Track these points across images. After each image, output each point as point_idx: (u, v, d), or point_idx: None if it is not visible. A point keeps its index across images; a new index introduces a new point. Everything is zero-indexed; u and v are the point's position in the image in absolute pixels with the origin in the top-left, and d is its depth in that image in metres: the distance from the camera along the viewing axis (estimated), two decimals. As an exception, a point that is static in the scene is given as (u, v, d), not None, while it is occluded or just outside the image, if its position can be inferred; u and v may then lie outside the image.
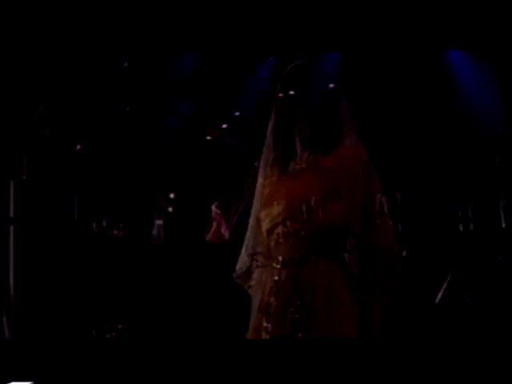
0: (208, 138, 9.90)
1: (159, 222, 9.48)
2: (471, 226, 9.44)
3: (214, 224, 9.29)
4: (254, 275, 3.04)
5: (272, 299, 2.79)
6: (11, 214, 6.97)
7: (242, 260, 3.15)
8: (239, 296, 7.44)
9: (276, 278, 2.76)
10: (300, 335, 2.69)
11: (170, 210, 9.63)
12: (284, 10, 8.91)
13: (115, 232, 9.00)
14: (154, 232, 9.43)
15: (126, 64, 7.46)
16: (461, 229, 9.38)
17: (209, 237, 9.39)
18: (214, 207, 9.65)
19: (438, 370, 2.53)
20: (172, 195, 9.73)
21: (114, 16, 8.72)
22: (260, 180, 3.45)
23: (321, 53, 9.39)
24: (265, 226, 2.87)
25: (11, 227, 6.95)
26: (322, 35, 9.20)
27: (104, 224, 8.89)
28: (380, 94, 9.66)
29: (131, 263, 8.77)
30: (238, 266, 3.45)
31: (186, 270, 8.69)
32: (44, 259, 8.04)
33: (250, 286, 3.31)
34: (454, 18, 8.91)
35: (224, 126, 9.71)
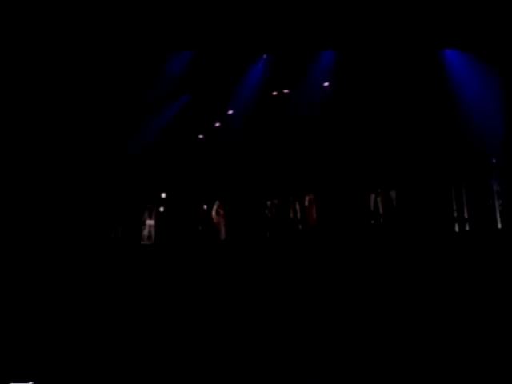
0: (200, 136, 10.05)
1: (150, 222, 9.44)
2: (467, 227, 9.32)
3: (220, 223, 9.20)
4: None
5: None
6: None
7: None
8: (231, 296, 7.66)
9: None
10: None
11: (162, 209, 9.65)
12: (279, 10, 8.88)
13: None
14: (145, 232, 9.40)
15: None
16: (457, 229, 9.28)
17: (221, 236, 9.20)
18: (216, 207, 9.65)
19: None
20: (164, 195, 9.76)
21: (105, 15, 8.71)
22: None
23: (316, 52, 9.65)
24: None
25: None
26: (317, 34, 9.15)
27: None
28: (377, 95, 9.61)
29: (122, 264, 8.56)
30: None
31: (179, 270, 8.46)
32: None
33: None
34: (451, 18, 8.88)
35: (217, 124, 9.95)
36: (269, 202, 9.60)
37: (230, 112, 9.95)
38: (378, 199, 9.34)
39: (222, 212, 9.60)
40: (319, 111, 9.59)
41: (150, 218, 9.58)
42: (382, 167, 9.48)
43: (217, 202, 9.64)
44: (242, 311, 7.51)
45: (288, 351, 6.63)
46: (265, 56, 9.87)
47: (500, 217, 9.09)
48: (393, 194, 9.28)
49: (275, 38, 9.24)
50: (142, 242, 9.46)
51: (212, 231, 9.69)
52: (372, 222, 9.32)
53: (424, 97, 9.57)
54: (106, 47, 8.90)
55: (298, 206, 9.50)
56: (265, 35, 9.20)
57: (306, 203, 9.48)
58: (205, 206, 9.82)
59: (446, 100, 9.64)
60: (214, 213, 9.61)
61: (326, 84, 9.72)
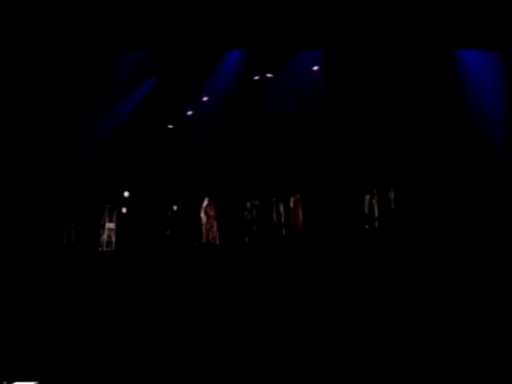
0: (170, 126, 9.47)
1: (110, 225, 8.97)
2: (466, 228, 8.83)
3: (213, 225, 8.85)
4: None
5: None
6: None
7: None
8: (199, 313, 6.90)
9: None
10: None
11: (124, 211, 9.22)
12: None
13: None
14: (104, 237, 8.86)
15: None
16: (456, 230, 8.77)
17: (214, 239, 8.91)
18: (205, 206, 8.76)
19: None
20: (127, 194, 9.27)
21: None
22: None
23: (311, 49, 9.34)
24: None
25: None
26: (315, 33, 8.77)
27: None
28: (377, 96, 9.42)
29: (76, 275, 7.75)
30: None
31: (142, 281, 7.61)
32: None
33: None
34: (450, 15, 8.56)
35: (190, 112, 9.51)
36: (248, 203, 9.15)
37: (205, 98, 9.49)
38: (374, 201, 8.94)
39: (212, 213, 9.00)
40: (308, 101, 9.32)
41: (110, 221, 9.02)
42: (378, 164, 9.13)
43: (206, 201, 9.02)
44: (211, 330, 6.93)
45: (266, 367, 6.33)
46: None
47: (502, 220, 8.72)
48: (391, 195, 8.84)
49: (263, 28, 8.60)
50: (100, 249, 8.88)
51: (184, 236, 9.14)
52: (366, 226, 8.94)
53: (425, 98, 9.47)
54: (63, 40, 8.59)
55: (282, 208, 9.11)
56: (247, 25, 8.54)
57: (292, 205, 9.07)
58: (175, 207, 9.26)
59: (448, 101, 9.55)
60: (202, 214, 9.02)
61: (316, 68, 9.33)
